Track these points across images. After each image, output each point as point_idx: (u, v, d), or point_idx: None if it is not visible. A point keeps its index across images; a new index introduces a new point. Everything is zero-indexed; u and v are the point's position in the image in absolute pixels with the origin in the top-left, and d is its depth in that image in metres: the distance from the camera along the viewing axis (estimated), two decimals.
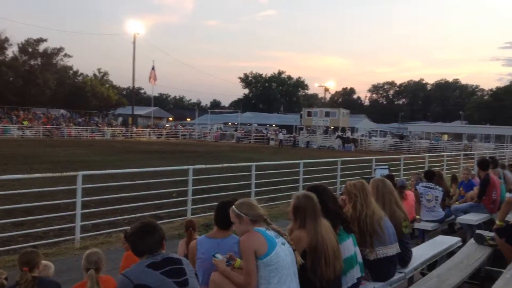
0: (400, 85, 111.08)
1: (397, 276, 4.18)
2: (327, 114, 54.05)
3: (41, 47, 59.89)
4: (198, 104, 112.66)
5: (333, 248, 3.32)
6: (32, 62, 59.78)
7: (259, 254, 3.02)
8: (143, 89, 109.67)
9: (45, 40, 59.75)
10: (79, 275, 3.51)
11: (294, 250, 3.17)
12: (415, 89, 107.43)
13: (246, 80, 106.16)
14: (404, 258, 4.37)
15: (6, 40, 56.85)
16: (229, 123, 71.45)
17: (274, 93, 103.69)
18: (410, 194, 7.39)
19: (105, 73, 72.59)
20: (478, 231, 5.35)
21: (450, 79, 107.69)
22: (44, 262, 3.48)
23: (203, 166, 10.48)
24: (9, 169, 16.04)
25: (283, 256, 3.05)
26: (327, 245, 3.29)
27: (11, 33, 56.85)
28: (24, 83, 55.72)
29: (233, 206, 3.25)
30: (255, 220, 3.16)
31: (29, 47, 59.21)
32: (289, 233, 3.35)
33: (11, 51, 58.51)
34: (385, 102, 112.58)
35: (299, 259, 3.17)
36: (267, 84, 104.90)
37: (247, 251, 3.04)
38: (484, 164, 8.10)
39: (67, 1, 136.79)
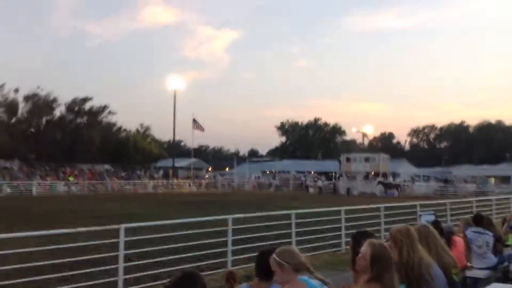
0: (441, 128, 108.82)
1: None
2: (367, 160, 53.25)
3: (87, 106, 63.06)
4: (236, 154, 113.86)
5: None
6: (78, 121, 62.83)
7: None
8: (183, 141, 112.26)
9: (91, 99, 62.96)
10: None
11: None
12: (456, 132, 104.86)
13: (283, 129, 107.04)
14: None
15: (54, 100, 60.27)
16: (267, 171, 71.48)
17: (311, 140, 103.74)
18: (459, 240, 7.06)
19: (147, 128, 75.14)
20: None
21: (493, 120, 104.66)
22: None
23: (242, 215, 10.47)
24: (55, 224, 16.52)
25: None
26: None
27: (57, 93, 60.17)
28: (71, 141, 58.33)
29: (274, 255, 3.18)
30: (297, 268, 3.10)
31: (75, 106, 62.42)
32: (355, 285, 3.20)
33: (59, 111, 61.86)
34: (426, 146, 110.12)
35: None
36: (304, 132, 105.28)
37: None
38: None
39: (110, 60, 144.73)
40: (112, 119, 67.84)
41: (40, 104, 58.56)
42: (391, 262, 3.20)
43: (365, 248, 3.23)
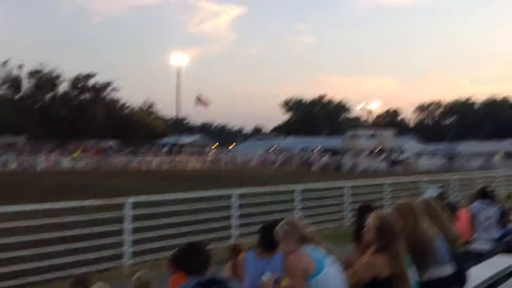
0: (447, 104, 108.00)
1: None
2: (372, 136, 53.19)
3: (91, 82, 62.99)
4: (240, 131, 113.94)
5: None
6: (82, 97, 62.89)
7: (308, 274, 2.95)
8: (187, 118, 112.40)
9: (94, 75, 62.86)
10: None
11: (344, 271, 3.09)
12: (463, 108, 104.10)
13: (288, 105, 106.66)
14: (460, 279, 4.15)
15: (58, 76, 60.28)
16: (272, 148, 71.60)
17: (316, 117, 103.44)
18: (463, 214, 7.08)
19: (151, 104, 75.13)
20: None
21: (500, 97, 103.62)
22: (99, 283, 3.57)
23: (247, 190, 10.52)
24: (62, 198, 16.68)
25: (333, 276, 2.97)
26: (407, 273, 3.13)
27: (61, 69, 60.18)
28: (75, 116, 58.52)
29: (279, 225, 3.21)
30: (302, 239, 3.11)
31: (79, 83, 62.40)
32: (358, 257, 3.22)
33: (63, 87, 61.91)
34: (431, 123, 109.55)
35: (351, 281, 3.08)
36: (309, 109, 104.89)
37: (295, 271, 2.98)
38: None
39: (114, 35, 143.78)
40: (116, 95, 67.94)
41: (44, 80, 58.61)
42: (397, 233, 3.22)
43: (370, 220, 3.25)
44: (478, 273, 4.82)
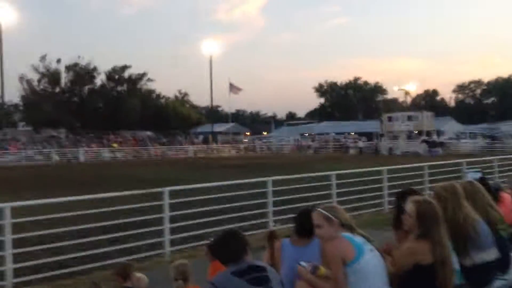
0: (488, 83, 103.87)
1: (497, 283, 3.85)
2: (410, 118, 51.88)
3: (126, 74, 64.15)
4: (274, 117, 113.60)
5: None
6: (119, 89, 64.16)
7: (347, 261, 2.92)
8: (220, 106, 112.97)
9: (129, 67, 63.95)
10: (170, 287, 3.63)
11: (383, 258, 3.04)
12: (504, 87, 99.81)
13: (321, 90, 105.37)
14: (503, 263, 4.02)
15: (95, 69, 61.66)
16: (306, 134, 71.17)
17: (351, 100, 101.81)
18: (507, 197, 6.80)
19: (185, 94, 75.99)
20: None
21: None
22: (138, 274, 3.65)
23: (281, 177, 10.52)
24: (103, 189, 17.18)
25: (373, 263, 2.93)
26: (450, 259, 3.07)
27: (97, 62, 61.85)
28: (113, 108, 59.85)
29: (321, 209, 3.18)
30: (343, 224, 3.09)
31: (115, 75, 63.65)
32: (398, 244, 3.17)
33: (100, 79, 63.32)
34: (472, 102, 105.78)
35: (390, 269, 3.03)
36: (343, 92, 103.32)
37: (334, 258, 2.95)
38: None
39: (146, 27, 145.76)
40: (151, 86, 68.93)
41: (82, 74, 60.08)
42: (438, 217, 3.14)
43: (410, 206, 3.18)
44: None
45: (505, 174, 14.05)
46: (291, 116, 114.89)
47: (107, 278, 5.81)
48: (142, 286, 3.78)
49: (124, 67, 63.83)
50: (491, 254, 3.75)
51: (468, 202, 3.95)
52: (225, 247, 2.83)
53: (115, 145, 50.38)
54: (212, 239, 3.17)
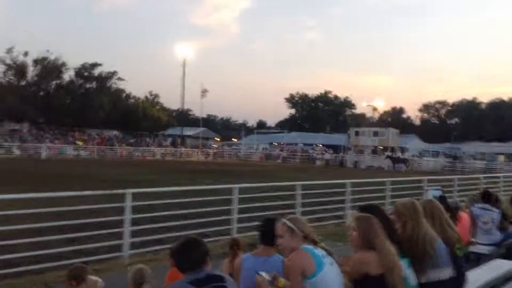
0: (453, 104, 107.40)
1: None
2: (376, 134, 53.02)
3: (96, 71, 62.90)
4: (244, 124, 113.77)
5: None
6: (87, 86, 62.79)
7: (307, 274, 2.91)
8: (191, 110, 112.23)
9: (100, 65, 62.75)
10: None
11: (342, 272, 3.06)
12: (468, 108, 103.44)
13: (292, 101, 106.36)
14: (458, 282, 4.11)
15: (63, 64, 60.15)
16: (275, 143, 71.53)
17: (320, 113, 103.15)
18: (464, 216, 7.02)
19: (156, 95, 75.13)
20: None
21: (506, 97, 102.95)
22: (93, 278, 3.55)
23: (248, 185, 10.51)
24: (63, 187, 16.73)
25: (331, 277, 2.94)
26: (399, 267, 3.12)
27: (67, 58, 60.30)
28: (80, 105, 58.47)
29: (285, 219, 3.18)
30: (305, 236, 3.09)
31: (84, 71, 62.29)
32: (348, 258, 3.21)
33: (68, 75, 61.82)
34: (436, 122, 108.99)
35: (347, 283, 3.05)
36: (313, 104, 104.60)
37: (294, 269, 2.94)
38: None
39: (120, 26, 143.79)
40: (121, 85, 67.80)
41: (49, 68, 58.47)
42: (378, 230, 3.19)
43: (351, 221, 3.25)
44: (477, 276, 4.78)
45: (464, 193, 14.49)
46: (261, 125, 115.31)
47: (62, 279, 5.64)
48: None
49: (94, 65, 62.56)
50: (446, 273, 3.83)
51: (427, 220, 4.04)
52: (184, 255, 2.78)
53: (80, 143, 49.21)
54: (173, 246, 3.10)
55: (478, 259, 6.80)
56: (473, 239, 6.93)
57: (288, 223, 3.15)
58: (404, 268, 3.49)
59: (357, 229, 3.20)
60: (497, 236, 6.96)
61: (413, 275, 3.59)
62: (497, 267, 5.26)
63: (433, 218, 4.22)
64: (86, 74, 62.40)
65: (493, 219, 6.94)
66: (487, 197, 7.38)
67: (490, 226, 6.92)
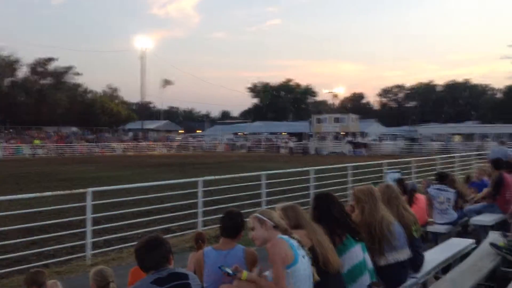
0: (410, 88, 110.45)
1: (409, 281, 4.10)
2: (337, 120, 53.91)
3: (51, 66, 60.81)
4: (207, 115, 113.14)
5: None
6: (42, 82, 60.64)
7: (286, 262, 2.97)
8: (152, 103, 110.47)
9: (55, 59, 60.68)
10: None
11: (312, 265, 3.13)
12: (425, 92, 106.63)
13: (255, 90, 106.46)
14: (416, 262, 4.29)
15: (17, 61, 57.82)
16: (239, 133, 71.60)
17: (283, 102, 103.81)
18: (421, 197, 7.27)
19: (115, 89, 73.45)
20: (492, 242, 5.20)
21: (460, 80, 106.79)
22: (51, 281, 3.48)
23: (213, 177, 10.48)
24: (22, 188, 16.20)
25: (303, 270, 2.99)
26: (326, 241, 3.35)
27: (21, 53, 58.12)
28: (36, 102, 56.47)
29: (255, 213, 3.28)
30: (276, 226, 3.15)
31: (39, 67, 60.10)
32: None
33: (22, 72, 59.50)
34: (395, 106, 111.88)
35: (316, 277, 3.12)
36: (275, 93, 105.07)
37: (276, 257, 2.97)
38: (497, 163, 7.97)
39: (75, 19, 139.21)
40: (78, 80, 65.88)
41: (2, 65, 56.06)
42: (301, 214, 3.46)
43: (279, 213, 3.43)
44: (435, 255, 4.98)
45: (421, 174, 14.99)
46: (225, 115, 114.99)
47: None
48: None
49: (49, 60, 60.42)
50: (404, 254, 3.99)
51: (384, 204, 4.17)
52: (145, 255, 2.76)
53: (37, 141, 47.59)
54: (135, 245, 3.07)
55: (436, 239, 7.08)
56: (430, 219, 7.21)
57: (257, 215, 3.23)
58: (360, 252, 3.61)
59: (286, 217, 3.40)
60: (453, 215, 7.24)
61: (369, 259, 3.71)
62: (454, 245, 5.48)
63: (389, 202, 4.37)
64: (41, 70, 60.22)
65: (449, 199, 7.21)
66: (443, 178, 7.66)
67: (446, 206, 7.19)
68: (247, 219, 3.34)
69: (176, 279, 2.72)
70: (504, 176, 7.51)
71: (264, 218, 3.18)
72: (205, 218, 9.05)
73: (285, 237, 3.08)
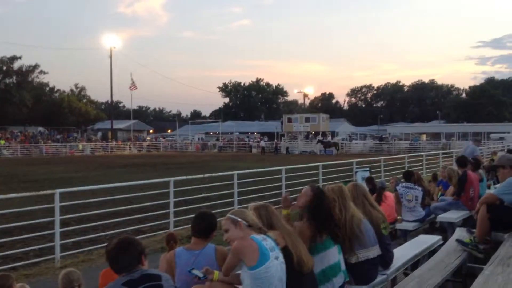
0: (378, 87, 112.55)
1: (379, 278, 4.18)
2: (307, 120, 54.43)
3: (16, 65, 59.02)
4: (178, 115, 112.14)
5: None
6: (7, 81, 58.79)
7: (248, 264, 2.97)
8: (122, 102, 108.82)
9: (20, 58, 58.89)
10: None
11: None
12: (392, 91, 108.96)
13: (226, 90, 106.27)
14: (385, 259, 4.38)
15: None
16: (211, 133, 71.29)
17: (254, 101, 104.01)
18: (390, 195, 7.44)
19: (82, 88, 71.95)
20: (458, 238, 5.36)
21: (426, 80, 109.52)
22: (18, 284, 3.39)
23: (184, 177, 10.40)
24: None
25: (273, 271, 2.99)
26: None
27: None
28: (0, 102, 54.71)
29: (228, 214, 3.27)
30: (250, 225, 3.15)
31: (3, 66, 58.24)
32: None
33: None
34: (363, 105, 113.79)
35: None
36: (246, 93, 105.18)
37: (234, 253, 3.04)
38: (462, 161, 8.22)
39: (40, 17, 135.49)
40: (44, 79, 64.16)
41: None
42: (275, 215, 3.48)
43: (252, 213, 3.42)
44: (403, 252, 5.09)
45: (390, 173, 15.30)
46: (196, 115, 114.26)
47: None
48: None
49: (13, 58, 58.55)
50: (374, 252, 4.07)
51: (353, 203, 4.24)
52: (116, 257, 2.72)
53: (2, 141, 46.11)
54: (106, 246, 3.02)
55: (405, 235, 7.26)
56: (399, 217, 7.38)
57: (230, 216, 3.23)
58: (336, 253, 3.67)
59: (258, 216, 3.40)
60: (421, 212, 7.44)
61: (343, 260, 3.78)
62: (422, 242, 5.62)
63: (358, 200, 4.44)
64: (4, 68, 58.33)
65: (417, 197, 7.40)
66: (409, 176, 7.85)
67: (414, 203, 7.38)
68: (220, 219, 3.35)
69: (148, 280, 2.69)
70: (468, 173, 7.75)
71: (238, 219, 3.17)
72: (177, 219, 8.99)
73: (258, 237, 3.08)
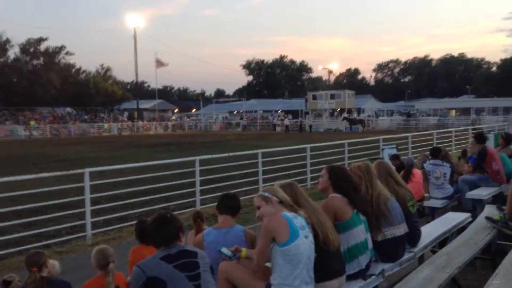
0: (405, 62, 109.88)
1: (406, 255, 4.16)
2: (332, 97, 53.75)
3: (43, 47, 60.02)
4: (202, 94, 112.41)
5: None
6: (34, 62, 59.97)
7: (278, 241, 2.99)
8: (147, 82, 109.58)
9: (46, 39, 59.83)
10: (91, 272, 3.54)
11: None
12: (420, 66, 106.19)
13: (249, 67, 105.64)
14: (413, 237, 4.35)
15: (8, 41, 57.03)
16: (235, 112, 71.29)
17: (277, 79, 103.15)
18: (417, 172, 7.34)
19: (108, 69, 72.76)
20: (487, 216, 5.25)
21: (455, 54, 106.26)
22: (51, 261, 3.50)
23: (209, 156, 10.48)
24: (18, 170, 16.16)
25: (303, 250, 3.00)
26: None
27: (10, 34, 57.28)
28: (28, 83, 55.93)
29: (259, 192, 3.33)
30: (282, 202, 3.18)
31: (30, 47, 59.32)
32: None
33: (13, 52, 58.71)
34: (390, 81, 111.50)
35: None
36: (270, 70, 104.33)
37: (265, 232, 3.04)
38: (480, 138, 8.01)
39: None
40: (71, 60, 65.11)
41: None
42: (297, 188, 3.51)
43: (282, 191, 3.39)
44: (431, 229, 5.04)
45: (418, 149, 15.06)
46: (219, 93, 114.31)
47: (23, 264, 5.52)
48: (53, 273, 3.60)
49: (40, 40, 59.56)
50: (401, 229, 4.03)
51: (380, 180, 4.20)
52: (156, 231, 2.79)
53: (32, 122, 47.32)
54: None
55: (433, 213, 7.17)
56: (426, 194, 7.28)
57: (262, 193, 3.27)
58: (363, 232, 3.65)
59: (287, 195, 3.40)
60: (449, 189, 7.31)
61: (370, 239, 3.76)
62: (450, 220, 5.54)
63: (385, 178, 4.40)
64: (32, 50, 59.43)
65: (445, 173, 7.27)
66: (437, 153, 7.70)
67: (442, 180, 7.26)
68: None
69: (185, 256, 2.75)
70: (487, 148, 7.58)
71: (269, 196, 3.21)
72: (203, 197, 9.10)
73: (289, 214, 3.09)
